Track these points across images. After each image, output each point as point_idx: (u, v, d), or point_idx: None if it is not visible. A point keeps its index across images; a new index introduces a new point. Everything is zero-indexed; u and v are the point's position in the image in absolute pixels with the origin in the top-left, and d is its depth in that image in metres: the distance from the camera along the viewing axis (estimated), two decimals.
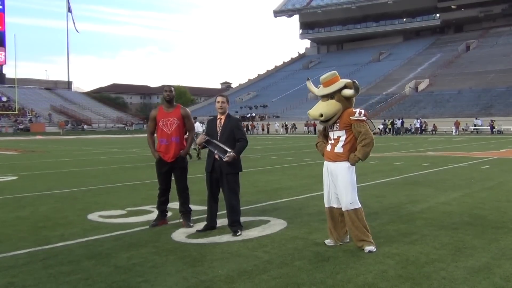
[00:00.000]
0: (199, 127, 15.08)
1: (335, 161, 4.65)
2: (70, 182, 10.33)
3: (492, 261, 4.19)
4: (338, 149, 4.64)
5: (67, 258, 4.46)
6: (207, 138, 5.45)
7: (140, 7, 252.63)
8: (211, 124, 5.61)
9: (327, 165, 4.76)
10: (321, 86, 4.73)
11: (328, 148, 4.76)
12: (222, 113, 5.50)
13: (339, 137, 4.66)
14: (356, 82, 4.62)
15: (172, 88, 5.92)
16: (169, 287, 3.66)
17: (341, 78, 4.73)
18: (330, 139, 4.76)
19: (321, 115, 4.59)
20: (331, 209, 4.80)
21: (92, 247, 4.87)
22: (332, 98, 4.63)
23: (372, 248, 4.50)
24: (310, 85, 5.05)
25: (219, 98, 5.52)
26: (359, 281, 3.71)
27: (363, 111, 4.60)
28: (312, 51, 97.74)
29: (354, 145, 4.61)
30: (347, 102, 4.63)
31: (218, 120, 5.52)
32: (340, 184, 4.62)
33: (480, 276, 3.81)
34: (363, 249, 4.50)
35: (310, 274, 3.88)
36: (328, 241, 4.82)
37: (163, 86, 5.96)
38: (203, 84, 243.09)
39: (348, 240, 4.84)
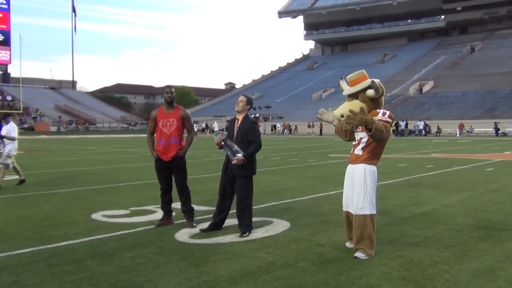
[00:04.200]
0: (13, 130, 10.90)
1: (354, 163, 4.57)
2: (74, 181, 10.37)
3: (496, 264, 4.18)
4: (358, 150, 4.54)
5: (70, 257, 4.48)
6: (223, 138, 5.45)
7: (143, 7, 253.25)
8: (230, 125, 5.63)
9: (349, 167, 4.67)
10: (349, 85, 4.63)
11: (352, 150, 4.68)
12: (240, 113, 5.49)
13: (361, 138, 4.54)
14: (376, 81, 4.43)
15: (173, 90, 5.92)
16: (172, 287, 3.67)
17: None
18: (355, 140, 4.66)
19: (342, 116, 4.47)
20: (347, 213, 4.68)
21: (95, 246, 4.88)
22: (356, 98, 4.51)
23: (361, 255, 4.36)
24: (343, 83, 4.87)
25: (239, 97, 5.55)
26: (362, 282, 3.70)
27: (388, 112, 4.40)
28: (316, 52, 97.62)
29: (375, 147, 4.49)
30: (372, 103, 4.46)
31: (236, 121, 5.53)
32: (355, 187, 4.52)
33: (484, 279, 3.79)
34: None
35: (313, 276, 3.88)
36: (348, 244, 4.75)
37: (165, 87, 5.96)
38: (207, 84, 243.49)
39: None
